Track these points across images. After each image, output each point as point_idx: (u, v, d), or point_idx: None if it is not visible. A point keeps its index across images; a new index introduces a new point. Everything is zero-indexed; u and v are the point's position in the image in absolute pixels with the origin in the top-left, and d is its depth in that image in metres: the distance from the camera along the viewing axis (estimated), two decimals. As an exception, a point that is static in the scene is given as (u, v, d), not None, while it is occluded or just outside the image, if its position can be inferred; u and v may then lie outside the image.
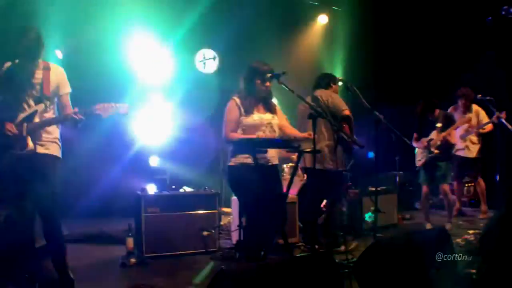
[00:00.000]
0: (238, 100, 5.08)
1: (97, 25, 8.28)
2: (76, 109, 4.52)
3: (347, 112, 6.17)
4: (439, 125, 7.60)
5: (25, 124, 4.51)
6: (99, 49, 8.32)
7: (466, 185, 10.41)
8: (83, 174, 8.22)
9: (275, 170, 5.28)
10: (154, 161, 9.09)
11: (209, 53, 9.87)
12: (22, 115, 4.54)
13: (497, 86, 8.57)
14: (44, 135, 4.63)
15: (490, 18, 9.24)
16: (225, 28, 9.35)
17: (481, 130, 8.64)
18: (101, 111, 4.54)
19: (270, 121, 5.10)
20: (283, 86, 4.80)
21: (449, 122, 7.63)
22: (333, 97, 6.27)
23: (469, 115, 8.50)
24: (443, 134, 7.49)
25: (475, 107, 8.56)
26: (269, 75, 4.95)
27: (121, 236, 6.73)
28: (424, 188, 7.85)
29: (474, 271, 4.63)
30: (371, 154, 9.11)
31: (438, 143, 7.52)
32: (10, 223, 5.46)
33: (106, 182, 8.45)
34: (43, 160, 4.59)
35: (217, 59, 9.86)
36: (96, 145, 7.44)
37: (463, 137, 8.73)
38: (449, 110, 8.78)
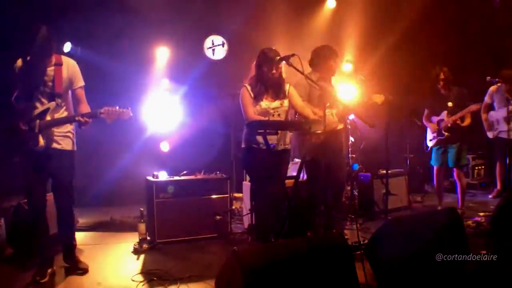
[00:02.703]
0: (249, 87, 5.23)
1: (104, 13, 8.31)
2: (80, 115, 4.68)
3: None
4: (450, 104, 7.29)
5: (37, 121, 4.65)
6: (109, 37, 8.34)
7: (477, 167, 10.40)
8: (94, 162, 8.26)
9: (285, 155, 5.32)
10: (165, 148, 9.13)
11: (218, 39, 9.85)
12: (35, 112, 4.68)
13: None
14: (56, 131, 4.77)
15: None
16: (233, 14, 9.33)
17: None
18: (105, 116, 4.62)
19: (278, 108, 5.23)
20: (293, 67, 4.81)
21: (462, 102, 7.24)
22: None
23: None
24: (453, 118, 7.17)
25: None
26: (277, 58, 4.99)
27: (133, 222, 6.81)
28: (436, 170, 7.64)
29: (484, 252, 4.64)
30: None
31: (449, 125, 7.22)
32: (20, 214, 5.57)
33: (117, 169, 8.50)
34: (56, 156, 4.75)
35: (225, 45, 9.83)
36: (107, 133, 7.44)
37: (506, 120, 8.52)
38: (491, 90, 8.66)
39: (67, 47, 7.93)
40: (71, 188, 4.95)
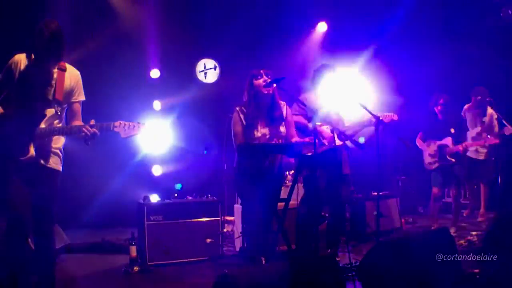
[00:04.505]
0: (240, 112, 4.97)
1: (97, 35, 8.35)
2: (93, 122, 4.05)
3: None
4: (452, 130, 7.49)
5: (30, 128, 4.04)
6: (101, 60, 8.36)
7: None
8: (86, 184, 8.24)
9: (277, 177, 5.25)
10: (156, 171, 9.11)
11: (210, 63, 9.89)
12: (28, 118, 4.05)
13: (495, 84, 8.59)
14: (46, 144, 4.13)
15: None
16: (225, 37, 9.38)
17: (488, 141, 8.38)
18: (119, 130, 4.04)
19: (274, 135, 4.99)
20: (283, 91, 4.78)
21: (461, 127, 7.53)
22: None
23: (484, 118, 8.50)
24: (463, 145, 7.44)
25: (489, 110, 8.31)
26: (266, 77, 4.90)
27: (124, 245, 6.75)
28: (435, 191, 7.73)
29: (477, 271, 4.63)
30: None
31: (460, 153, 7.47)
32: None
33: (108, 191, 8.44)
34: (40, 174, 4.11)
35: (217, 69, 9.87)
36: (99, 155, 7.43)
37: (475, 140, 8.61)
38: (464, 108, 8.74)
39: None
40: (49, 213, 4.18)
